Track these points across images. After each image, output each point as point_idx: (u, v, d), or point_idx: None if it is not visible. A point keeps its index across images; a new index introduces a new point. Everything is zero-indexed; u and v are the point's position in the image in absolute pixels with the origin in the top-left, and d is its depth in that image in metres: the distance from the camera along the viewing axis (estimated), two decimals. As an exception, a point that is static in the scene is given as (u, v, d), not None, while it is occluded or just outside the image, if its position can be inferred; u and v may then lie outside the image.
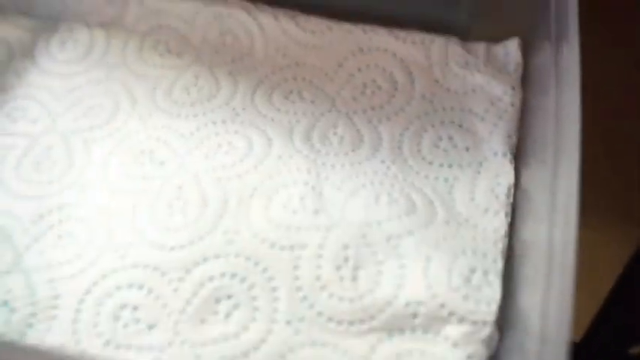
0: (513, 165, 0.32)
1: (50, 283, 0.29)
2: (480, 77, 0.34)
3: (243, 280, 0.28)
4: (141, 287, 0.28)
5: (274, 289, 0.28)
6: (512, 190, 0.31)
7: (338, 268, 0.28)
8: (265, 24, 0.37)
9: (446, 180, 0.31)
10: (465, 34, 0.36)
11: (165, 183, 0.32)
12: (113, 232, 0.30)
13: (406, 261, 0.28)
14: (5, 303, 0.28)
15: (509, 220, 0.30)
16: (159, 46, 0.38)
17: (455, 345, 0.27)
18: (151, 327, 0.27)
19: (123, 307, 0.28)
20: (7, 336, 0.27)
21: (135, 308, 0.28)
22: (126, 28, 0.39)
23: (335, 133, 0.34)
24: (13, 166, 0.33)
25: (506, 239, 0.30)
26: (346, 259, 0.29)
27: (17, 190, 0.32)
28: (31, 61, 0.38)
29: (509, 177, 0.31)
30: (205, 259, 0.29)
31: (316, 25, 0.36)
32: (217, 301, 0.28)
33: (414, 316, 0.27)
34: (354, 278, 0.28)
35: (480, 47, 0.35)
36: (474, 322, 0.27)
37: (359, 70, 0.36)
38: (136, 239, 0.30)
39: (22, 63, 0.38)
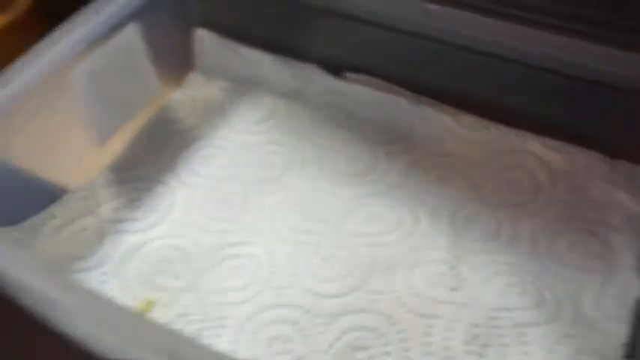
0: (642, 280, 0.34)
1: (220, 306, 0.34)
2: (620, 194, 0.37)
3: (380, 335, 0.32)
4: (293, 324, 0.33)
5: (407, 350, 0.32)
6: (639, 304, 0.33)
7: (467, 342, 0.32)
8: (427, 114, 0.42)
9: (576, 282, 0.34)
10: (610, 149, 0.39)
11: (322, 239, 0.37)
12: (275, 272, 0.36)
13: (530, 349, 0.31)
14: (183, 314, 0.34)
15: (631, 330, 0.33)
16: (330, 121, 0.44)
17: None
18: (298, 359, 0.32)
19: (277, 338, 0.33)
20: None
21: (287, 341, 0.33)
22: (305, 101, 0.45)
23: (477, 221, 0.37)
24: (199, 203, 0.40)
25: (627, 347, 0.32)
26: (475, 336, 0.32)
27: (201, 224, 0.39)
28: (223, 117, 0.45)
29: (636, 291, 0.33)
30: (351, 312, 0.33)
31: (474, 122, 0.41)
32: (355, 349, 0.32)
33: (530, 400, 0.30)
34: (481, 355, 0.31)
35: (624, 166, 0.38)
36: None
37: (506, 167, 0.40)
38: (293, 283, 0.35)
39: (217, 117, 0.45)
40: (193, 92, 0.47)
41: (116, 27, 0.40)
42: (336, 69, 0.45)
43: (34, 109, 0.37)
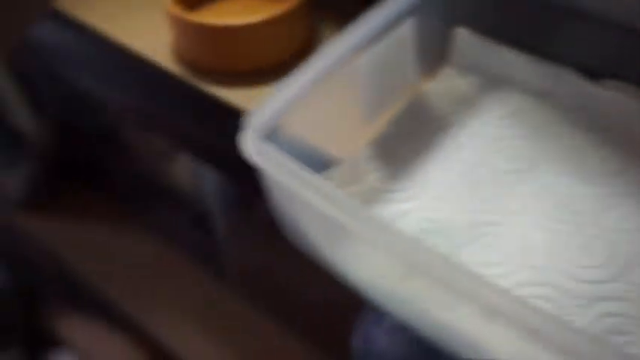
0: None
1: (480, 277, 0.38)
2: None
3: (638, 325, 0.34)
4: (551, 302, 0.36)
5: (666, 342, 0.34)
6: None
7: None
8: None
9: None
10: None
11: (578, 229, 0.39)
12: (530, 254, 0.38)
13: None
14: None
15: None
16: (580, 122, 0.46)
17: None
18: (556, 334, 0.35)
19: (535, 312, 0.36)
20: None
21: (543, 316, 0.36)
22: (554, 101, 0.47)
23: None
24: (452, 184, 0.43)
25: None
26: None
27: (455, 202, 0.42)
28: (473, 109, 0.49)
29: None
30: (609, 298, 0.35)
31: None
32: (612, 333, 0.34)
33: None
34: None
35: None
36: None
37: None
38: (549, 265, 0.38)
39: (466, 109, 0.49)
40: (446, 85, 0.50)
41: (393, 24, 0.45)
42: (589, 73, 0.47)
43: (322, 91, 0.43)
